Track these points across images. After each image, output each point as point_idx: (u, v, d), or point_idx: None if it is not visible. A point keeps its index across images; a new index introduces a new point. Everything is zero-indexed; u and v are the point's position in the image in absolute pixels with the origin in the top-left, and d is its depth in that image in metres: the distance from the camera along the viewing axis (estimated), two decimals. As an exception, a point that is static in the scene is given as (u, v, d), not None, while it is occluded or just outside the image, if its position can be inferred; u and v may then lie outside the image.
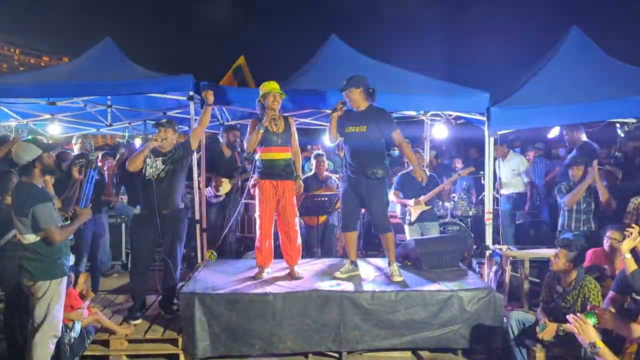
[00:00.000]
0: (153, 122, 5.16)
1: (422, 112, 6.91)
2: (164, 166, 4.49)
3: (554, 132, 7.06)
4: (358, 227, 5.02)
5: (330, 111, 4.71)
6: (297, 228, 4.80)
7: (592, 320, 2.78)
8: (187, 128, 7.64)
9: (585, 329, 2.70)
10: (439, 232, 6.20)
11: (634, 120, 5.62)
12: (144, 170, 4.48)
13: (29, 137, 3.92)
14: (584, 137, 6.35)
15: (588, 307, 3.12)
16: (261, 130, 4.55)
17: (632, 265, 3.44)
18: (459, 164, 7.74)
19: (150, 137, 4.57)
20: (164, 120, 4.60)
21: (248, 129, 4.77)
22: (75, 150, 6.59)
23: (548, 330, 3.62)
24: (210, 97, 4.69)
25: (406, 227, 6.07)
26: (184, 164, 4.65)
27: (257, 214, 4.78)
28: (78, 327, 3.95)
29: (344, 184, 4.76)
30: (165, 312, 4.65)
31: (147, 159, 4.47)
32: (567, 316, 2.84)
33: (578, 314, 2.80)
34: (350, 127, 4.56)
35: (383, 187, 4.66)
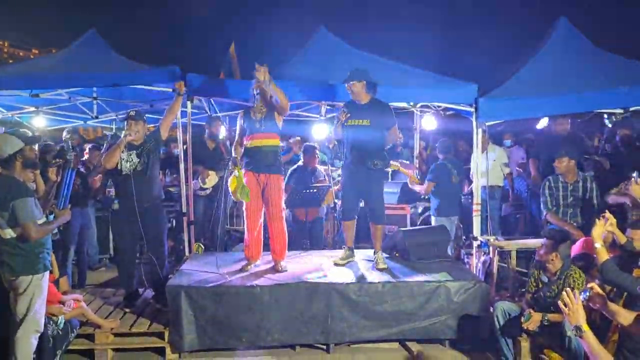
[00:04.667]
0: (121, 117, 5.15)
1: (411, 103, 6.88)
2: (139, 159, 4.47)
3: (542, 123, 7.07)
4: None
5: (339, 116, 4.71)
6: (283, 223, 4.77)
7: (584, 295, 2.76)
8: (174, 120, 7.54)
9: (576, 310, 2.63)
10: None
11: (622, 111, 5.63)
12: (119, 166, 4.44)
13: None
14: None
15: (587, 285, 3.04)
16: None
17: (602, 256, 3.35)
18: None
19: (123, 132, 4.54)
20: (132, 113, 4.55)
21: (237, 120, 4.75)
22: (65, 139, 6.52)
23: (533, 320, 3.63)
24: (181, 88, 4.76)
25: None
26: (158, 154, 4.68)
27: (244, 206, 4.75)
28: (62, 319, 3.92)
29: (344, 174, 4.86)
30: (161, 304, 4.57)
31: (122, 154, 4.43)
32: (563, 291, 2.74)
33: (574, 290, 2.73)
34: (353, 120, 4.59)
35: (382, 178, 4.80)
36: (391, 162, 6.45)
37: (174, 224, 7.01)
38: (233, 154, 4.69)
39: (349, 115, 4.56)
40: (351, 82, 4.54)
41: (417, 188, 6.27)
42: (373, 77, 4.64)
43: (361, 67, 4.62)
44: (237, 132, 4.77)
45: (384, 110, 4.62)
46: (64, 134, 6.89)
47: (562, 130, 6.28)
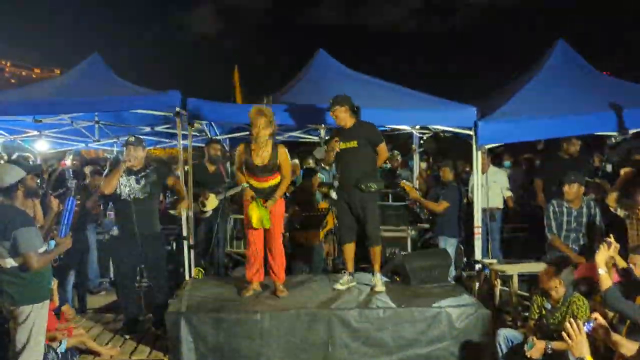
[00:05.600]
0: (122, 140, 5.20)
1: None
2: (139, 186, 4.50)
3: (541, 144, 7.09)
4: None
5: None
6: (282, 245, 4.76)
7: (587, 327, 2.72)
8: (174, 143, 7.60)
9: (579, 342, 2.57)
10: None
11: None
12: (118, 190, 4.46)
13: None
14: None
15: (592, 316, 3.01)
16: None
17: (606, 282, 3.29)
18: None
19: (120, 157, 4.58)
20: (131, 139, 4.58)
21: (237, 151, 4.69)
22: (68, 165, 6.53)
23: (536, 348, 3.57)
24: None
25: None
26: (160, 187, 4.76)
27: (245, 228, 4.75)
28: (64, 346, 3.89)
29: (338, 197, 4.88)
30: (161, 331, 4.55)
31: (120, 178, 4.46)
32: (567, 322, 2.68)
33: (577, 320, 2.68)
34: (341, 143, 4.64)
35: (376, 200, 4.79)
36: (405, 183, 6.55)
37: (174, 247, 6.99)
38: (244, 184, 4.57)
39: (338, 140, 4.62)
40: (334, 109, 4.62)
41: (431, 206, 6.18)
42: (357, 99, 4.72)
43: (342, 94, 4.68)
44: (237, 162, 4.68)
45: (369, 130, 4.68)
46: (68, 159, 6.89)
47: (574, 151, 6.29)
